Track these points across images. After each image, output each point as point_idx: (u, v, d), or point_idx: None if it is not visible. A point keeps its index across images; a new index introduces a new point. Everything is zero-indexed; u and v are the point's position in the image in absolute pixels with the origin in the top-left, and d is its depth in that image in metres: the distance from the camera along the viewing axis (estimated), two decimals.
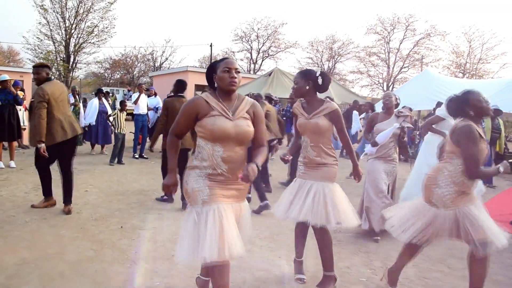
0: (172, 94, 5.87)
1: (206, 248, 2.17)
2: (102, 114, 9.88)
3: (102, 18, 32.36)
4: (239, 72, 2.41)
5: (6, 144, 7.76)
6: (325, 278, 3.19)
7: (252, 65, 42.83)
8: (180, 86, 5.82)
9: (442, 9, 60.22)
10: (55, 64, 31.45)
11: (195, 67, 31.83)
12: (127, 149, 9.71)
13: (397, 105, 4.78)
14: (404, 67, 38.25)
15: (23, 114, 9.58)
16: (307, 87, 3.16)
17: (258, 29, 41.97)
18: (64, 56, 32.13)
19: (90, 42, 32.93)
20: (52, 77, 5.36)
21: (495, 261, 3.72)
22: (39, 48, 32.04)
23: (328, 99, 3.37)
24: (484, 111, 2.90)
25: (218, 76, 2.41)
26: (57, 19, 31.36)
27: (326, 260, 3.18)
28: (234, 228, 2.30)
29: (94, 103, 10.00)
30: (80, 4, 31.35)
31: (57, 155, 4.87)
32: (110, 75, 45.39)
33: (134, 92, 15.04)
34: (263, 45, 42.84)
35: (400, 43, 37.72)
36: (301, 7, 71.69)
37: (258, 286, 3.22)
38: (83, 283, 3.13)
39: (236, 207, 2.45)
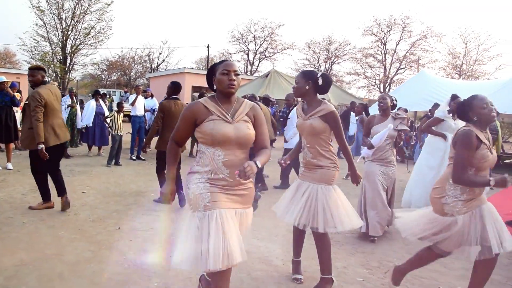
0: (167, 96, 5.89)
1: (210, 258, 2.14)
2: (99, 115, 9.86)
3: (99, 19, 32.46)
4: (238, 74, 2.36)
5: (3, 146, 7.75)
6: (322, 280, 3.20)
7: (249, 67, 42.96)
8: (175, 88, 5.84)
9: (438, 10, 60.56)
10: (52, 65, 31.43)
11: (192, 68, 31.85)
12: (124, 151, 9.70)
13: (394, 106, 4.78)
14: (401, 69, 38.47)
15: (20, 115, 9.56)
16: (307, 87, 3.15)
17: (255, 30, 42.16)
18: (61, 57, 32.11)
19: (86, 44, 33.00)
20: (47, 80, 5.39)
21: None
22: (35, 50, 32.07)
23: (325, 100, 3.37)
24: (484, 118, 2.81)
25: (217, 78, 2.37)
26: (54, 20, 31.41)
27: (324, 263, 3.18)
28: (235, 234, 2.26)
29: (91, 104, 9.98)
30: (77, 6, 31.42)
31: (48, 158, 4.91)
32: (107, 77, 45.40)
33: (131, 94, 15.01)
34: (260, 47, 43.03)
35: (397, 45, 37.99)
36: (298, 8, 71.92)
37: (256, 286, 3.23)
38: (81, 284, 3.14)
39: (240, 213, 2.40)
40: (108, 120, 9.41)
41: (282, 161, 3.29)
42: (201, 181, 2.33)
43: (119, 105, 9.32)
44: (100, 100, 10.18)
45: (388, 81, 38.14)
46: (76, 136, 10.13)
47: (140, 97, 10.02)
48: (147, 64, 44.53)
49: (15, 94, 8.26)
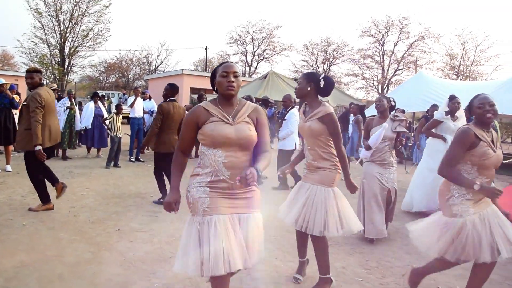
0: (164, 98, 5.90)
1: (209, 263, 2.15)
2: (98, 117, 9.87)
3: (97, 21, 32.36)
4: (237, 76, 2.36)
5: (2, 148, 7.75)
6: (320, 280, 3.22)
7: (247, 68, 42.99)
8: (173, 90, 5.85)
9: (436, 11, 60.70)
10: (50, 67, 31.37)
11: (190, 70, 31.85)
12: (123, 152, 9.71)
13: (392, 107, 4.75)
14: (399, 70, 38.50)
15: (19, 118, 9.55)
16: (308, 89, 3.17)
17: (253, 32, 42.19)
18: (59, 59, 32.03)
19: (85, 46, 32.89)
20: (45, 82, 5.47)
21: None
22: (33, 52, 31.94)
23: (324, 102, 3.38)
24: (479, 117, 2.80)
25: (217, 81, 2.38)
26: (52, 22, 31.31)
27: (321, 264, 3.20)
28: (235, 240, 2.25)
29: (89, 106, 10.00)
30: (75, 8, 31.32)
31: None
32: (105, 79, 45.40)
33: (129, 96, 15.03)
34: (258, 48, 43.07)
35: (395, 46, 38.01)
36: (296, 10, 72.03)
37: (255, 286, 3.26)
38: (82, 285, 3.15)
39: (246, 218, 2.38)
40: (107, 122, 9.43)
41: (280, 174, 3.33)
42: (201, 185, 2.33)
43: (118, 107, 9.34)
44: (99, 102, 10.20)
45: (386, 82, 38.18)
46: (75, 138, 10.13)
47: (139, 99, 10.04)
48: (145, 66, 44.57)
49: (14, 96, 8.26)
